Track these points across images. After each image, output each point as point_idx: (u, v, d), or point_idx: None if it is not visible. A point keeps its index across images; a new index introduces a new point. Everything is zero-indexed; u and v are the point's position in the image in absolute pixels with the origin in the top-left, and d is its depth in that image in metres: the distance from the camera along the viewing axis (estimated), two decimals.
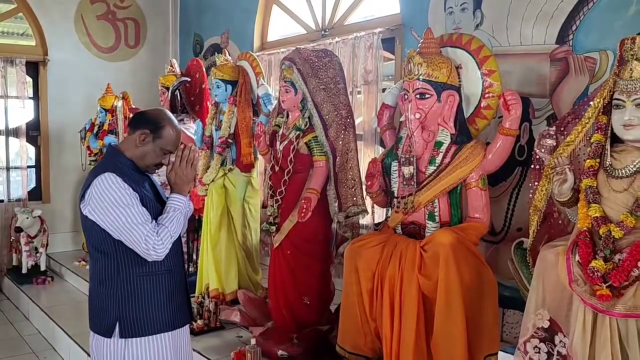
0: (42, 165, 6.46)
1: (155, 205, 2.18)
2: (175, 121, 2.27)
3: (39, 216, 5.61)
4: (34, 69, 6.34)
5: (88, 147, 5.95)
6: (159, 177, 4.77)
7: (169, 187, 2.25)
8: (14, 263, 5.85)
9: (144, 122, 2.19)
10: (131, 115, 5.07)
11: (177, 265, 2.26)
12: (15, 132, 6.17)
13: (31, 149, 6.44)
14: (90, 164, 6.02)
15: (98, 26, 6.64)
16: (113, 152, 2.21)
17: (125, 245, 2.06)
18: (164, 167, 2.27)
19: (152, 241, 2.03)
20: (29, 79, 6.33)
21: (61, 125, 6.41)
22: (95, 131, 5.90)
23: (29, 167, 6.36)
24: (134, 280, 2.12)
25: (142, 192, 2.13)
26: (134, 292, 2.12)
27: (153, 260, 2.09)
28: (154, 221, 2.09)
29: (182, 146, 2.23)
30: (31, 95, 6.37)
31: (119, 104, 5.39)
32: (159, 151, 2.19)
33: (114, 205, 2.01)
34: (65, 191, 6.54)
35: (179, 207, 2.17)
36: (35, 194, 6.43)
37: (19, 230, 5.53)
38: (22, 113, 6.17)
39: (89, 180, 2.10)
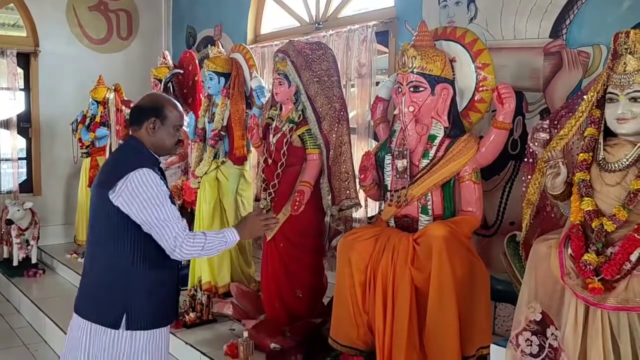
0: (33, 158, 6.41)
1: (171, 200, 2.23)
2: (167, 96, 2.33)
3: (30, 208, 5.57)
4: (25, 60, 6.29)
5: (80, 140, 5.93)
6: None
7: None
8: (5, 255, 5.81)
9: (145, 112, 2.21)
10: (129, 110, 5.05)
11: (176, 262, 2.28)
12: (6, 124, 6.13)
13: (22, 141, 6.39)
14: (81, 156, 6.00)
15: (90, 17, 6.59)
16: (135, 144, 2.21)
17: (145, 238, 2.09)
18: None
19: (180, 240, 2.06)
20: (20, 70, 6.28)
21: (52, 117, 6.36)
22: (87, 123, 5.87)
23: (19, 159, 6.33)
24: (145, 273, 2.14)
25: (169, 190, 2.18)
26: (144, 285, 2.14)
27: (175, 259, 2.13)
28: (184, 220, 2.13)
29: (275, 217, 2.44)
30: (22, 87, 6.33)
31: (111, 96, 5.36)
32: (172, 130, 2.24)
33: (151, 201, 2.05)
34: (57, 183, 6.51)
35: (229, 240, 2.19)
36: (27, 187, 6.39)
37: (9, 222, 5.49)
38: (13, 105, 6.12)
39: (115, 172, 2.08)
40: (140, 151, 2.19)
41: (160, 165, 2.29)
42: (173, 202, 2.15)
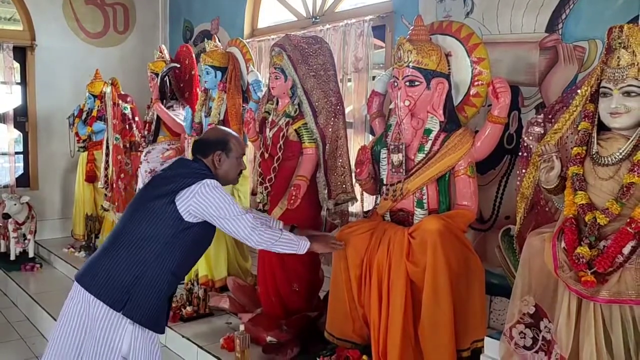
0: (30, 152, 6.41)
1: None
2: (229, 129, 2.64)
3: (27, 203, 5.57)
4: (21, 54, 6.27)
5: (76, 134, 5.93)
6: (148, 164, 4.77)
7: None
8: (2, 250, 5.80)
9: (211, 146, 2.43)
10: (125, 103, 5.06)
11: (182, 278, 2.49)
12: (2, 118, 6.12)
13: (19, 135, 6.38)
14: (78, 150, 6.00)
15: (86, 11, 6.57)
16: (206, 167, 2.42)
17: (181, 249, 2.28)
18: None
19: (254, 228, 2.35)
20: (17, 64, 6.26)
21: (49, 111, 6.36)
22: (83, 117, 5.87)
23: (16, 153, 6.31)
24: (162, 272, 2.26)
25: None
26: (156, 283, 2.25)
27: (250, 245, 2.41)
28: (252, 210, 2.46)
29: (342, 244, 2.72)
30: (19, 81, 6.31)
31: (108, 90, 5.35)
32: (236, 161, 2.49)
33: (226, 201, 2.28)
34: (54, 178, 6.50)
35: (298, 246, 2.54)
36: (23, 181, 6.39)
37: (6, 216, 5.49)
38: (9, 99, 6.10)
39: (188, 176, 2.30)
40: (209, 172, 2.40)
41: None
42: None
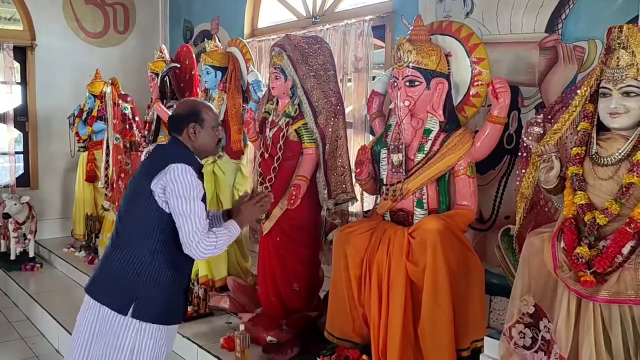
0: (30, 151, 6.41)
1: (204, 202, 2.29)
2: (199, 100, 2.52)
3: (27, 202, 5.58)
4: (21, 53, 6.28)
5: (77, 133, 5.92)
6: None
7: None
8: (2, 249, 5.81)
9: (184, 118, 2.33)
10: (125, 103, 5.06)
11: (190, 270, 2.40)
12: (2, 118, 6.12)
13: (19, 135, 6.38)
14: (78, 150, 6.00)
15: (86, 11, 6.57)
16: (180, 145, 2.32)
17: (173, 238, 2.17)
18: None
19: (198, 237, 2.13)
20: (17, 64, 6.27)
21: (49, 111, 6.36)
22: (83, 117, 5.86)
23: (16, 153, 6.32)
24: (163, 267, 2.21)
25: (204, 190, 2.27)
26: (159, 279, 2.21)
27: (188, 254, 2.18)
28: (208, 221, 2.22)
29: (266, 193, 2.48)
30: (19, 81, 6.32)
31: (108, 89, 5.34)
32: (212, 131, 2.36)
33: (185, 192, 2.14)
34: (54, 177, 6.51)
35: (233, 232, 2.29)
36: (24, 180, 6.40)
37: (7, 216, 5.50)
38: (9, 98, 6.10)
39: (160, 163, 2.18)
40: (184, 151, 2.30)
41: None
42: (205, 204, 2.24)
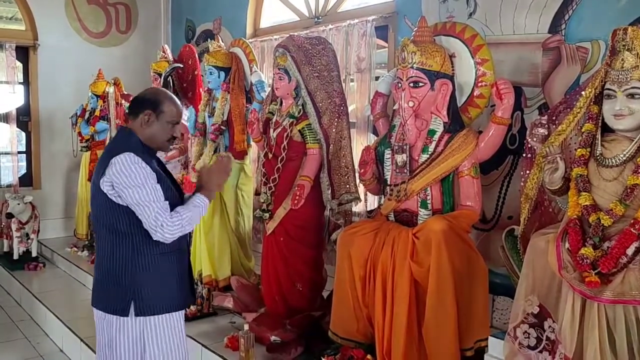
0: (33, 151, 6.42)
1: (167, 183, 2.23)
2: (170, 93, 2.34)
3: (30, 202, 5.59)
4: (24, 53, 6.29)
5: (79, 133, 5.93)
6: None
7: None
8: (5, 249, 5.83)
9: (143, 104, 2.24)
10: (128, 103, 5.06)
11: (186, 245, 2.33)
12: (5, 118, 6.13)
13: (22, 135, 6.39)
14: (81, 150, 6.00)
15: (89, 11, 6.58)
16: (125, 133, 2.24)
17: (140, 224, 2.11)
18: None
19: (161, 219, 2.08)
20: (19, 64, 6.27)
21: (52, 111, 6.37)
22: (86, 117, 5.87)
23: (19, 152, 6.33)
24: (150, 259, 2.17)
25: (158, 170, 2.19)
26: (150, 271, 2.17)
27: (158, 240, 2.12)
28: (167, 202, 2.13)
29: (223, 154, 2.28)
30: (21, 81, 6.32)
31: (111, 89, 5.36)
32: (167, 125, 2.25)
33: (132, 182, 2.07)
34: (56, 177, 6.51)
35: (199, 204, 2.23)
36: (26, 180, 6.40)
37: (10, 216, 5.51)
38: (12, 98, 6.11)
39: (105, 160, 2.12)
40: (128, 139, 2.20)
41: (163, 160, 2.31)
42: (160, 182, 2.14)
